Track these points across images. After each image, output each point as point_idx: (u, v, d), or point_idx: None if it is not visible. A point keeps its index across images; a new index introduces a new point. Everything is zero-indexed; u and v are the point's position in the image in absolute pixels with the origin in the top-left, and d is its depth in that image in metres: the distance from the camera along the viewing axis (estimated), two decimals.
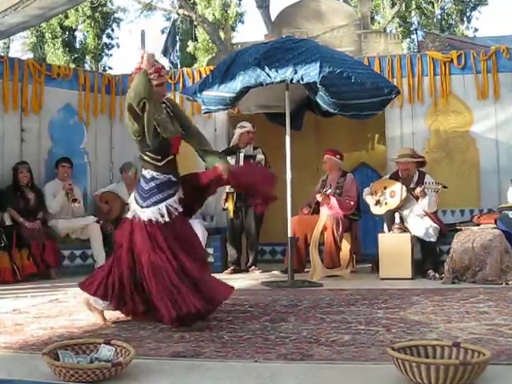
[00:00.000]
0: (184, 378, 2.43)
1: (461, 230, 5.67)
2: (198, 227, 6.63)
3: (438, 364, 2.17)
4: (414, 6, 20.82)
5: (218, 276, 6.15)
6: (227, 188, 6.53)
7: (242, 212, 6.57)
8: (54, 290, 5.27)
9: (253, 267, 6.51)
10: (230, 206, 6.54)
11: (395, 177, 6.11)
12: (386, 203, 5.94)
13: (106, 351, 2.53)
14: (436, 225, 5.82)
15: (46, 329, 3.44)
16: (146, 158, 3.66)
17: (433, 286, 5.10)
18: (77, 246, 6.71)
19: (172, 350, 2.85)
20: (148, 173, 3.65)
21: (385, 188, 5.99)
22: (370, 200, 6.07)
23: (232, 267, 6.54)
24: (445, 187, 5.77)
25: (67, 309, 4.21)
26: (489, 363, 2.25)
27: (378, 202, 5.99)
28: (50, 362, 2.37)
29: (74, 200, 6.61)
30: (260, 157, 6.49)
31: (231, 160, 6.57)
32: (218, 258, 6.73)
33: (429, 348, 2.42)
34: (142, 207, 3.60)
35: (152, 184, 3.63)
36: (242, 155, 6.51)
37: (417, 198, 5.84)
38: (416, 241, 5.77)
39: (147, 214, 3.56)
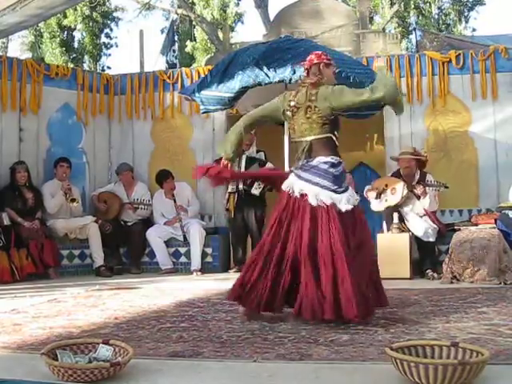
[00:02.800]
0: (183, 378, 2.43)
1: (459, 229, 5.67)
2: (196, 227, 6.66)
3: (437, 364, 2.17)
4: (412, 6, 20.79)
5: (218, 276, 6.30)
6: (229, 188, 6.54)
7: (243, 212, 6.55)
8: (53, 290, 5.27)
9: None
10: (230, 205, 6.54)
11: (396, 176, 6.11)
12: (386, 200, 5.94)
13: (104, 351, 2.52)
14: (435, 225, 5.82)
15: (44, 329, 3.43)
16: (333, 138, 3.76)
17: (431, 285, 5.11)
18: (75, 245, 6.70)
19: (171, 349, 2.85)
20: (332, 158, 3.67)
21: (386, 186, 5.99)
22: (370, 195, 6.05)
23: (238, 266, 6.52)
24: (446, 187, 5.77)
25: (66, 308, 4.20)
26: (487, 363, 2.25)
27: (378, 196, 5.96)
28: (48, 362, 2.36)
29: (73, 200, 6.61)
30: (270, 165, 6.44)
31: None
32: (217, 257, 6.73)
33: (427, 348, 2.42)
34: (337, 193, 3.54)
35: (340, 169, 3.67)
36: (244, 157, 6.51)
37: (418, 197, 5.85)
38: (414, 241, 5.77)
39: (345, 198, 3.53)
